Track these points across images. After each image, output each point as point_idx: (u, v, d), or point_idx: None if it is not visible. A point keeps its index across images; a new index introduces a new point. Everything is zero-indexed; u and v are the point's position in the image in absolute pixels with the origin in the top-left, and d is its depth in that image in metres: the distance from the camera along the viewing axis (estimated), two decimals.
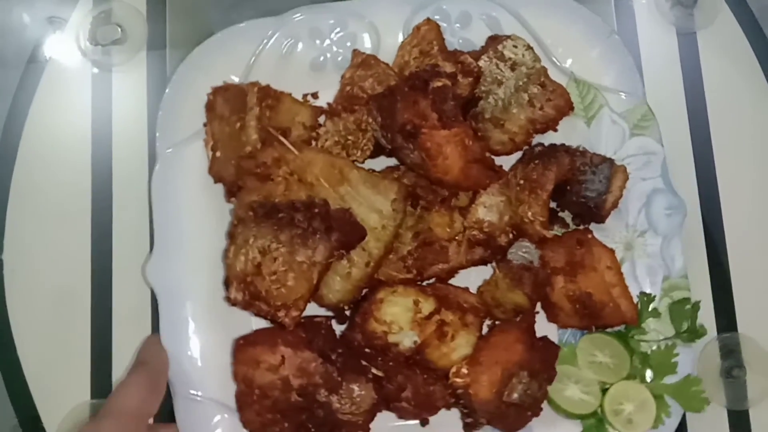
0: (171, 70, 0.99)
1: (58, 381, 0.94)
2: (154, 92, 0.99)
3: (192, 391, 0.86)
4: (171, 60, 1.00)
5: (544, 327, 0.90)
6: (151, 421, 0.85)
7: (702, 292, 0.94)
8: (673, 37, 1.04)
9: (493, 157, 0.92)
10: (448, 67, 0.87)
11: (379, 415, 0.86)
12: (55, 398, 0.93)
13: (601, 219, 0.89)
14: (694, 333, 0.87)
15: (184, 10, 1.03)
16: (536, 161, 0.87)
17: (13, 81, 1.00)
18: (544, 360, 0.83)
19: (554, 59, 0.95)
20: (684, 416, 0.89)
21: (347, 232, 0.81)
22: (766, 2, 1.05)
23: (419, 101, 0.79)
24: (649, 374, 0.87)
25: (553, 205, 0.93)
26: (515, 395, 0.79)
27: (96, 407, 0.93)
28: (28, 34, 1.03)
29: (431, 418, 0.88)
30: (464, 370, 0.81)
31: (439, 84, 0.80)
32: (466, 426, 0.86)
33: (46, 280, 0.96)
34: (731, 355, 0.95)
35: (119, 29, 0.99)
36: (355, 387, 0.80)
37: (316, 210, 0.79)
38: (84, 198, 0.97)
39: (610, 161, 0.88)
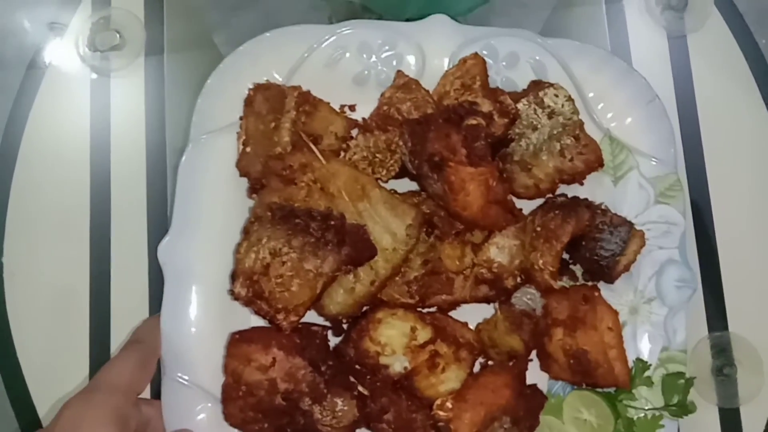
0: (169, 75, 1.02)
1: (57, 381, 0.95)
2: (152, 97, 1.01)
3: (181, 374, 0.87)
4: (168, 65, 1.02)
5: (535, 374, 0.90)
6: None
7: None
8: (663, 40, 1.07)
9: (514, 198, 0.93)
10: (486, 106, 0.88)
11: None
12: (54, 398, 0.94)
13: (610, 279, 0.89)
14: (683, 408, 0.87)
15: (182, 16, 1.05)
16: (557, 211, 0.87)
17: (13, 85, 1.01)
18: (529, 408, 0.83)
19: (593, 114, 0.96)
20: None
21: (358, 249, 0.82)
22: (755, 5, 1.06)
23: (451, 135, 0.80)
24: None
25: (565, 256, 0.93)
26: None
27: None
28: (29, 39, 1.05)
29: None
30: (449, 404, 0.82)
31: (474, 122, 0.81)
32: None
33: (45, 282, 0.97)
34: (722, 353, 0.97)
35: (118, 35, 1.01)
36: (339, 401, 0.81)
37: (332, 222, 0.80)
38: (83, 202, 0.98)
39: (630, 225, 0.88)
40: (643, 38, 1.07)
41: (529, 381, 0.88)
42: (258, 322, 0.87)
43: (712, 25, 1.08)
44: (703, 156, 1.04)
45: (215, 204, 0.91)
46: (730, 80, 1.07)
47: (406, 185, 0.94)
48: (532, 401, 0.84)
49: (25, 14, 1.06)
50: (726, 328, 0.99)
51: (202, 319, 0.89)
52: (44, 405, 0.94)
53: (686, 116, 1.05)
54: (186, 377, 0.87)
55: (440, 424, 0.82)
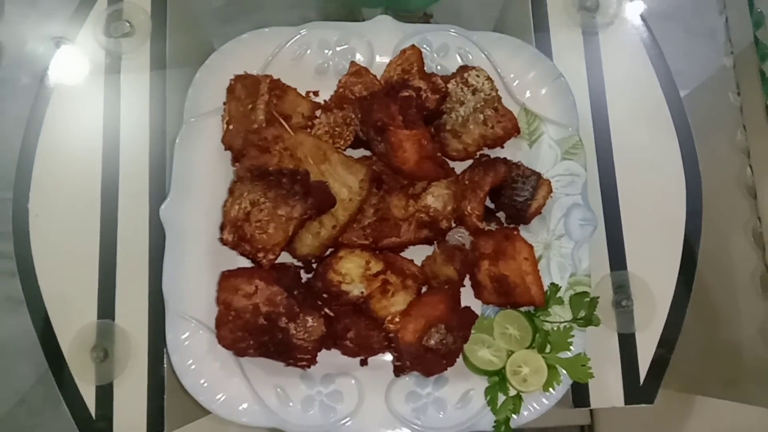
0: (170, 58, 1.22)
1: (71, 304, 1.14)
2: (155, 77, 1.21)
3: (182, 310, 1.06)
4: (170, 50, 1.23)
5: (471, 303, 1.10)
6: None
7: (599, 238, 1.18)
8: (579, 35, 1.29)
9: (449, 161, 1.14)
10: (422, 86, 1.10)
11: (329, 353, 1.08)
12: (68, 319, 1.13)
13: (525, 221, 1.10)
14: (588, 320, 1.07)
15: (183, 12, 1.27)
16: (480, 167, 1.09)
17: (42, 67, 1.22)
18: (461, 321, 1.04)
19: (511, 91, 1.18)
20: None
21: (321, 199, 1.02)
22: (653, 9, 1.29)
23: (390, 105, 1.02)
24: (548, 349, 1.08)
25: (492, 206, 1.14)
26: (432, 342, 1.00)
27: (101, 326, 1.14)
28: (56, 28, 1.25)
29: (369, 360, 1.09)
30: (396, 319, 1.02)
31: (406, 94, 1.02)
32: (395, 368, 1.06)
33: (63, 224, 1.16)
34: (621, 289, 1.18)
35: (128, 24, 1.22)
36: (310, 319, 1.01)
37: (299, 177, 1.01)
38: (95, 168, 1.18)
39: (538, 175, 1.09)
40: (563, 33, 1.29)
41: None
42: (243, 264, 1.08)
43: (619, 23, 1.31)
44: (608, 124, 1.25)
45: (205, 172, 1.11)
46: (632, 66, 1.29)
47: (360, 153, 1.15)
48: (465, 317, 1.05)
49: (55, 6, 1.26)
50: (625, 268, 1.19)
51: (197, 265, 1.08)
52: (59, 321, 1.13)
53: (596, 94, 1.27)
54: (185, 312, 1.06)
55: (391, 335, 1.03)
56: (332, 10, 2.08)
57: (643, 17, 1.31)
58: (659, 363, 1.18)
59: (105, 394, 1.12)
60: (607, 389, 1.17)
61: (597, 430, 1.74)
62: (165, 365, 1.12)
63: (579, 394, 1.16)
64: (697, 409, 1.74)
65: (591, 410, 1.68)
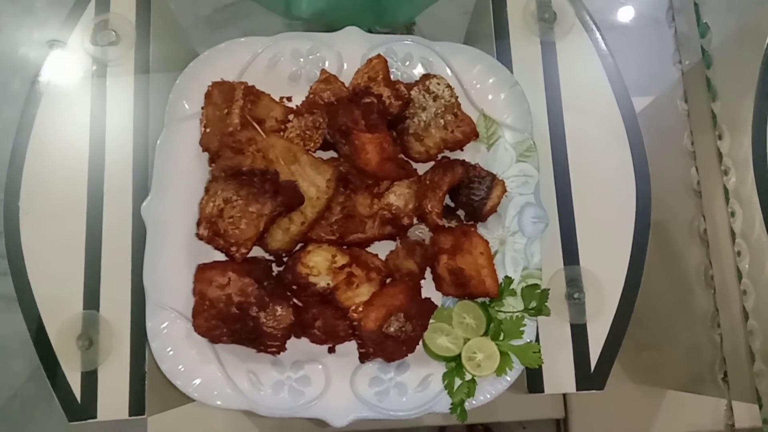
0: (153, 66, 1.30)
1: (59, 297, 1.21)
2: (139, 83, 1.29)
3: (161, 301, 1.14)
4: (153, 58, 1.30)
5: (435, 296, 1.19)
6: None
7: (554, 235, 1.26)
8: (537, 45, 1.37)
9: (413, 162, 1.23)
10: (386, 93, 1.18)
11: (298, 341, 1.15)
12: (56, 309, 1.20)
13: (482, 218, 1.18)
14: (539, 310, 1.15)
15: (166, 23, 1.35)
16: (439, 168, 1.18)
17: (33, 72, 1.29)
18: (420, 311, 1.12)
19: (470, 97, 1.26)
20: (537, 330, 1.17)
21: (291, 197, 1.10)
22: (608, 20, 1.37)
23: (354, 111, 1.10)
24: (501, 336, 1.16)
25: (453, 204, 1.23)
26: (392, 329, 1.08)
27: (86, 317, 1.21)
28: (46, 37, 1.33)
29: (337, 347, 1.16)
30: (360, 308, 1.11)
31: (368, 101, 1.11)
32: (360, 355, 1.14)
33: (51, 221, 1.23)
34: (573, 282, 1.25)
35: (114, 34, 1.30)
36: (279, 308, 1.09)
37: (269, 177, 1.09)
38: (82, 168, 1.25)
39: (493, 176, 1.18)
40: (522, 43, 1.37)
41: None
42: (218, 257, 1.15)
43: (574, 34, 1.39)
44: (564, 130, 1.33)
45: (184, 172, 1.18)
46: (587, 74, 1.37)
47: (329, 155, 1.23)
48: (424, 307, 1.13)
49: (44, 16, 1.34)
50: (577, 263, 1.27)
51: (175, 259, 1.15)
52: (47, 312, 1.20)
53: (552, 100, 1.34)
54: (164, 302, 1.14)
55: (355, 323, 1.11)
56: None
57: (598, 28, 1.40)
58: (609, 352, 1.26)
59: (90, 380, 1.19)
60: (560, 376, 1.25)
61: (571, 423, 1.83)
62: (146, 353, 1.20)
63: (534, 381, 1.24)
64: (666, 403, 1.83)
65: (566, 404, 1.76)
